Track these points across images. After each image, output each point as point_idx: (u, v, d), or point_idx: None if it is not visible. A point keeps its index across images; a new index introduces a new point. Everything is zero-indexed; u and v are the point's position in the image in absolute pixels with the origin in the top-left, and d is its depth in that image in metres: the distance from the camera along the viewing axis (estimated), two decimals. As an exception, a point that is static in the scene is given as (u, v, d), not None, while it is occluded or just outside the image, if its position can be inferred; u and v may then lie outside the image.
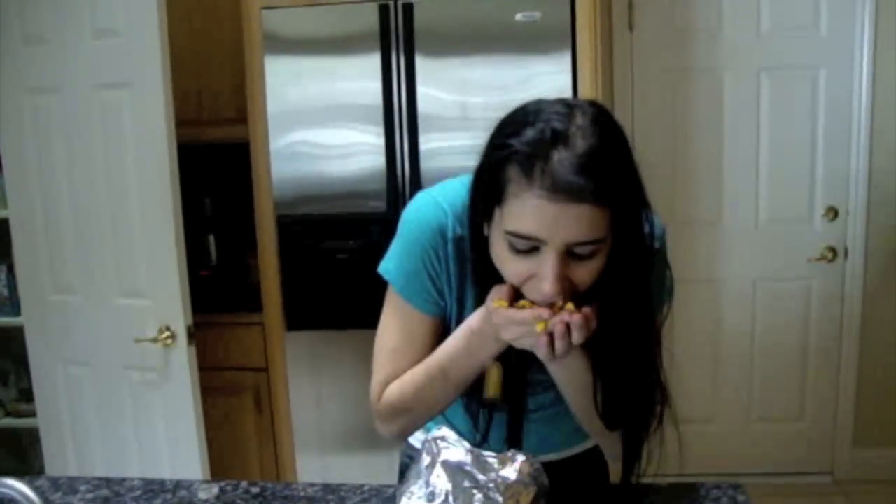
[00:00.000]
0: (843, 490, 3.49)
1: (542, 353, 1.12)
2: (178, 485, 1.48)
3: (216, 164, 3.41)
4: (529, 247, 1.08)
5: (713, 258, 3.51)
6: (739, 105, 3.38)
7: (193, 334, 2.52)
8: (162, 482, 1.50)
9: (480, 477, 1.12)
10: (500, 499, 1.11)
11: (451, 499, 1.11)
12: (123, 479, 1.51)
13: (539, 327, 1.10)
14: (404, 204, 2.95)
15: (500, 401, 1.25)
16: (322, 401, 3.00)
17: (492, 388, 1.24)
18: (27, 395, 3.04)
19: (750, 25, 3.32)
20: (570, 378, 1.22)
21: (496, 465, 1.14)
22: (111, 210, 2.54)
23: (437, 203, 1.27)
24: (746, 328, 3.53)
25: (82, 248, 2.61)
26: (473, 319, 1.21)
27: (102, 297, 2.61)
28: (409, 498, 1.15)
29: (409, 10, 2.73)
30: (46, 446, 2.85)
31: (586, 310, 1.10)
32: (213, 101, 3.19)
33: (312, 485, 1.47)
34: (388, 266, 1.31)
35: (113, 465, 2.69)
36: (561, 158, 1.03)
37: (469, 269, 1.24)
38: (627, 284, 1.14)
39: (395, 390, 1.30)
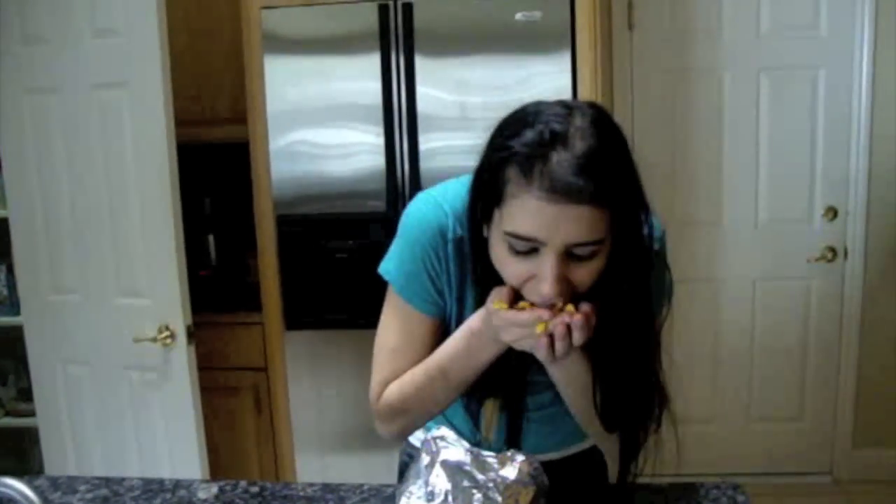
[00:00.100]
0: (843, 490, 3.49)
1: (541, 354, 1.12)
2: (177, 484, 1.48)
3: (216, 163, 3.41)
4: (529, 248, 1.08)
5: (713, 258, 3.51)
6: (739, 105, 3.38)
7: (193, 334, 2.52)
8: (161, 482, 1.50)
9: (480, 476, 1.12)
10: (500, 498, 1.11)
11: (450, 498, 1.11)
12: (123, 479, 1.51)
13: (539, 329, 1.09)
14: (404, 204, 2.94)
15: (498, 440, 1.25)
16: (321, 400, 3.00)
17: (486, 430, 1.26)
18: (26, 394, 3.04)
19: (750, 25, 3.33)
20: (570, 380, 1.22)
21: (495, 465, 1.14)
22: (111, 210, 2.54)
23: (437, 203, 1.27)
24: (746, 328, 3.54)
25: (82, 247, 2.61)
26: (473, 320, 1.21)
27: (102, 297, 2.61)
28: (409, 498, 1.15)
29: (408, 9, 2.73)
30: (46, 446, 2.85)
31: (585, 308, 1.10)
32: (212, 100, 3.19)
33: (311, 484, 1.47)
34: (389, 266, 1.31)
35: (112, 465, 2.69)
36: (560, 159, 1.03)
37: (469, 269, 1.24)
38: (627, 286, 1.14)
39: (394, 391, 1.30)
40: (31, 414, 2.92)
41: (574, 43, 2.70)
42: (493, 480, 1.12)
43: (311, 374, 3.00)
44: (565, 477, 1.26)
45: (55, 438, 2.81)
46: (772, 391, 3.57)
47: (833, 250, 3.42)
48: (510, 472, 1.13)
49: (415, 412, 1.32)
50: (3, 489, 1.08)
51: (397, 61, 2.76)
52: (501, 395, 1.28)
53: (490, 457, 1.15)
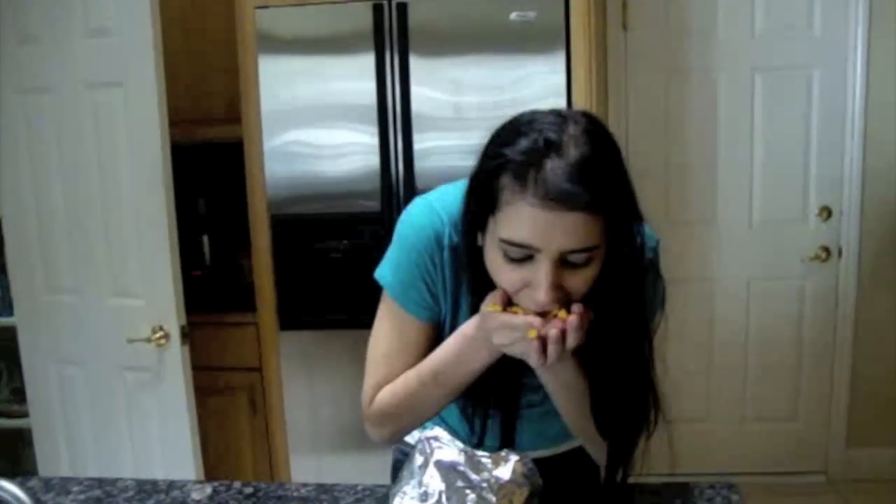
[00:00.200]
0: (837, 489, 3.50)
1: (533, 359, 1.13)
2: (171, 485, 1.48)
3: (209, 163, 3.40)
4: (523, 255, 1.08)
5: (707, 258, 3.51)
6: (733, 105, 3.39)
7: (187, 334, 2.52)
8: (155, 482, 1.49)
9: (473, 477, 1.12)
10: (494, 499, 1.11)
11: (444, 499, 1.11)
12: (116, 480, 1.51)
13: (531, 334, 1.10)
14: (398, 204, 2.96)
15: None
16: (316, 401, 3.00)
17: None
18: (20, 395, 3.03)
19: (744, 26, 3.33)
20: (561, 386, 1.23)
21: (489, 465, 1.14)
22: (104, 210, 2.54)
23: (434, 210, 1.27)
24: (740, 328, 3.54)
25: (75, 247, 2.61)
26: (468, 326, 1.22)
27: (96, 297, 2.60)
28: (402, 498, 1.15)
29: (402, 9, 2.72)
30: (39, 447, 2.84)
31: (578, 309, 1.10)
32: (206, 100, 3.19)
33: (306, 485, 1.46)
34: (384, 272, 1.32)
35: (106, 466, 2.68)
36: (554, 167, 1.04)
37: (464, 276, 1.25)
38: (621, 293, 1.15)
39: (387, 395, 1.31)
40: (25, 415, 2.92)
41: (569, 43, 2.70)
42: (487, 480, 1.12)
43: (306, 375, 3.00)
44: (558, 474, 1.26)
45: (49, 439, 2.81)
46: (766, 390, 3.57)
47: (827, 250, 3.43)
48: (504, 472, 1.13)
49: (407, 417, 1.33)
50: (-5, 491, 1.08)
51: (392, 61, 2.76)
52: (496, 397, 1.28)
53: (484, 457, 1.14)
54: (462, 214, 1.19)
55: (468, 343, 1.21)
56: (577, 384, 1.21)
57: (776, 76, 3.35)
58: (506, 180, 1.07)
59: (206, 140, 3.18)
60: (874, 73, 3.27)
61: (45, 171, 2.60)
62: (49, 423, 2.79)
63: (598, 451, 1.32)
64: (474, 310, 1.21)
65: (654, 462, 1.28)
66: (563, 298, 1.10)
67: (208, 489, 1.46)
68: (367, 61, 2.77)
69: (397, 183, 2.81)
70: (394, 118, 2.78)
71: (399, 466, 1.52)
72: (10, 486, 1.08)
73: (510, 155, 1.08)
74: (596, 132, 1.09)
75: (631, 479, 1.26)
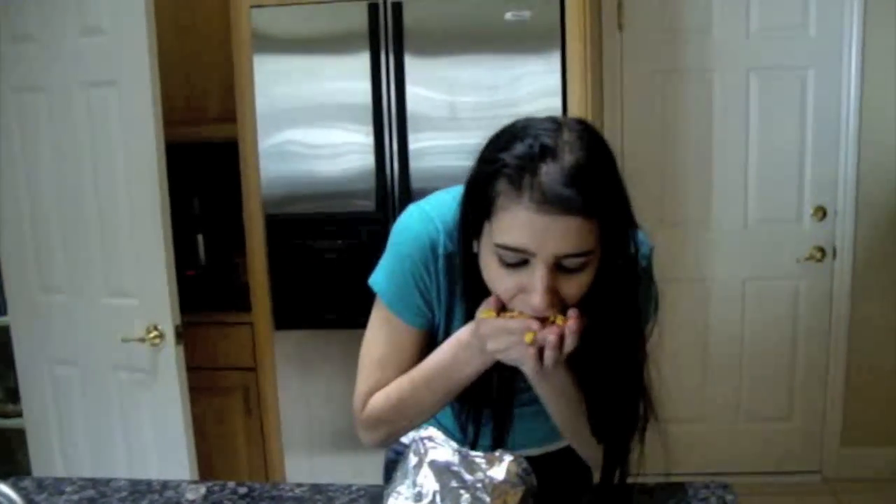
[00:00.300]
0: (832, 489, 3.50)
1: (530, 365, 1.13)
2: (164, 485, 1.47)
3: (204, 163, 3.40)
4: (519, 259, 1.09)
5: (702, 258, 3.51)
6: (728, 105, 3.39)
7: (182, 334, 2.51)
8: (148, 483, 1.49)
9: (468, 477, 1.12)
10: (488, 499, 1.11)
11: (438, 499, 1.11)
12: (110, 480, 1.50)
13: (527, 338, 1.10)
14: (393, 204, 2.96)
15: None
16: (311, 401, 2.99)
17: None
18: (13, 395, 3.03)
19: (739, 26, 3.33)
20: (552, 391, 1.24)
21: (484, 465, 1.14)
22: (98, 209, 2.53)
23: (429, 218, 1.28)
24: (735, 327, 3.54)
25: (69, 247, 2.60)
26: (462, 332, 1.23)
27: (90, 297, 2.60)
28: (397, 498, 1.14)
29: (398, 9, 2.72)
30: (33, 447, 2.83)
31: (574, 312, 1.11)
32: (201, 99, 3.18)
33: (300, 485, 1.46)
34: (378, 279, 1.32)
35: (100, 466, 2.68)
36: (549, 171, 1.05)
37: (459, 283, 1.25)
38: (615, 299, 1.16)
39: (380, 400, 1.31)
40: (18, 415, 2.91)
41: (564, 43, 2.70)
42: (482, 481, 1.12)
43: (301, 374, 2.99)
44: (548, 473, 1.26)
45: (42, 439, 2.80)
46: (761, 390, 3.57)
47: (822, 250, 3.43)
48: (498, 472, 1.13)
49: (400, 421, 1.33)
50: (-13, 491, 1.08)
51: (387, 61, 2.76)
52: (489, 400, 1.28)
53: (478, 457, 1.14)
54: (458, 220, 1.20)
55: (462, 349, 1.22)
56: (568, 388, 1.22)
57: (771, 76, 3.36)
58: (501, 185, 1.08)
59: (200, 139, 3.17)
60: (869, 73, 3.28)
61: (39, 170, 2.60)
62: (43, 423, 2.78)
63: (588, 453, 1.33)
64: (468, 316, 1.22)
65: (649, 462, 1.28)
66: (559, 304, 1.11)
67: (202, 489, 1.45)
68: (363, 61, 2.76)
69: (392, 183, 2.80)
70: (389, 118, 2.78)
71: (391, 466, 1.52)
72: (3, 487, 1.08)
73: (506, 160, 1.08)
74: (591, 138, 1.11)
75: (631, 480, 1.27)
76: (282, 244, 2.92)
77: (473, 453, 1.15)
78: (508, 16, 2.69)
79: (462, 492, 1.11)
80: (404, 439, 1.46)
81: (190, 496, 1.43)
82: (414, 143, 2.78)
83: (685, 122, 3.43)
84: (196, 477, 2.60)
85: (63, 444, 2.77)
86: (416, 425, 1.36)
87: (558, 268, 1.08)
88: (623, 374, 1.21)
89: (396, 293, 1.29)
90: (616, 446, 1.24)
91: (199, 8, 3.12)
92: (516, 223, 1.06)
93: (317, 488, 1.44)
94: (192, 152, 3.24)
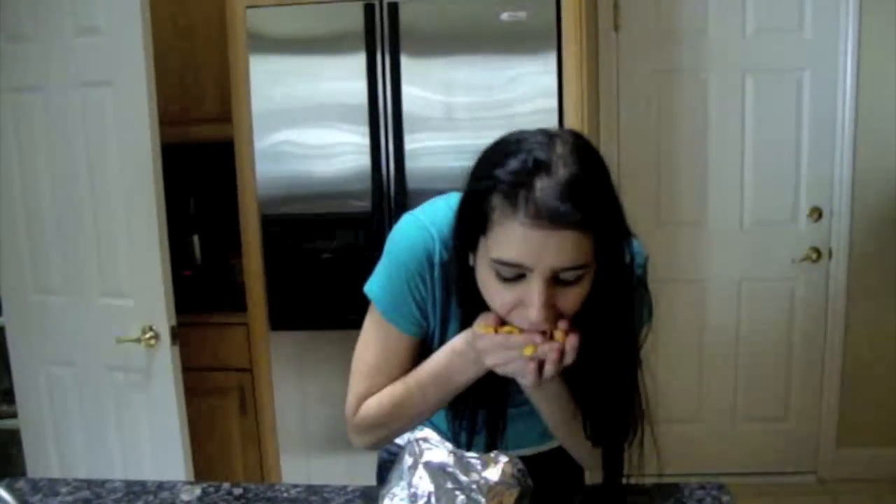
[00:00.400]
0: (828, 489, 3.51)
1: (529, 379, 1.15)
2: (160, 486, 1.47)
3: (200, 163, 3.39)
4: (515, 274, 1.10)
5: (698, 259, 3.51)
6: (724, 106, 3.39)
7: (177, 334, 2.51)
8: (143, 484, 1.49)
9: (463, 478, 1.12)
10: (483, 500, 1.10)
11: (433, 500, 1.11)
12: (105, 481, 1.50)
13: (527, 352, 1.12)
14: (389, 204, 2.95)
15: None
16: (306, 401, 2.99)
17: None
18: (8, 396, 3.02)
19: (735, 27, 3.33)
20: (546, 398, 1.26)
21: (479, 467, 1.13)
22: (94, 209, 2.53)
23: (424, 227, 1.28)
24: (731, 328, 3.55)
25: (65, 247, 2.60)
26: (457, 341, 1.24)
27: (85, 298, 2.59)
28: (392, 499, 1.14)
29: (394, 9, 2.72)
30: (28, 448, 2.83)
31: (563, 325, 1.13)
32: (197, 100, 3.18)
33: (295, 486, 1.46)
34: (373, 286, 1.33)
35: (96, 467, 2.67)
36: (544, 186, 1.05)
37: (455, 294, 1.26)
38: (610, 309, 1.17)
39: (373, 405, 1.32)
40: (13, 416, 2.90)
41: (560, 43, 2.70)
42: (477, 482, 1.12)
43: (297, 375, 2.99)
44: (541, 472, 1.27)
45: (38, 440, 2.79)
46: (756, 391, 3.58)
47: (818, 251, 3.43)
48: (494, 473, 1.13)
49: (393, 425, 1.35)
50: (-19, 492, 1.07)
51: (383, 61, 2.76)
52: (483, 402, 1.29)
53: (473, 458, 1.14)
54: (453, 236, 1.21)
55: (457, 357, 1.23)
56: (561, 394, 1.24)
57: (767, 77, 3.36)
58: (496, 201, 1.08)
59: (196, 139, 3.16)
60: (865, 74, 3.28)
61: (34, 170, 2.59)
62: (38, 424, 2.77)
63: (581, 454, 1.35)
64: (464, 325, 1.23)
65: (644, 463, 1.29)
66: (556, 316, 1.12)
67: (197, 490, 1.45)
68: (359, 61, 2.76)
69: (388, 183, 2.80)
70: (385, 118, 2.78)
71: (384, 466, 1.52)
72: (-3, 488, 1.08)
73: (500, 176, 1.09)
74: (584, 150, 1.11)
75: (625, 481, 1.28)
76: (277, 245, 2.91)
77: (469, 454, 1.15)
78: (504, 16, 2.69)
79: (457, 493, 1.11)
80: (399, 440, 1.46)
81: (185, 497, 1.43)
82: (410, 144, 2.77)
83: (681, 122, 3.43)
84: (191, 478, 2.60)
85: (58, 445, 2.76)
86: (409, 429, 1.38)
87: (555, 281, 1.09)
88: (618, 379, 1.22)
89: (391, 302, 1.30)
90: (612, 450, 1.26)
91: (195, 8, 3.11)
92: (512, 238, 1.07)
93: (312, 489, 1.44)
94: (188, 152, 3.24)
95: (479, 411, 1.30)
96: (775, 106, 3.38)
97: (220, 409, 3.10)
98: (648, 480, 1.35)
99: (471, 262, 1.18)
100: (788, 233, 3.45)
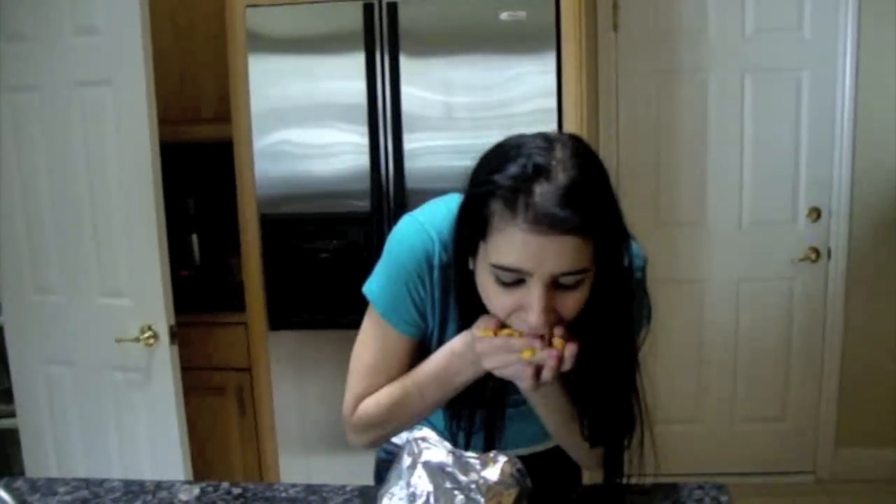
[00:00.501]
0: (826, 489, 3.51)
1: (527, 383, 1.15)
2: (158, 486, 1.47)
3: (199, 163, 3.39)
4: (515, 279, 1.10)
5: (697, 258, 3.51)
6: (723, 106, 3.39)
7: (176, 334, 2.51)
8: (142, 483, 1.49)
9: (462, 478, 1.12)
10: (482, 500, 1.10)
11: (432, 500, 1.11)
12: (103, 481, 1.50)
13: (526, 354, 1.12)
14: (388, 204, 2.95)
15: None
16: (305, 401, 2.99)
17: None
18: (7, 395, 3.02)
19: (734, 27, 3.33)
20: (544, 400, 1.26)
21: (478, 466, 1.13)
22: (93, 209, 2.53)
23: (423, 229, 1.28)
24: (730, 328, 3.54)
25: (63, 247, 2.59)
26: (456, 342, 1.24)
27: (84, 297, 2.59)
28: (390, 499, 1.14)
29: (393, 9, 2.72)
30: (27, 448, 2.82)
31: (559, 331, 1.13)
32: (196, 99, 3.18)
33: (294, 485, 1.46)
34: (373, 287, 1.33)
35: (94, 467, 2.67)
36: (543, 191, 1.05)
37: (453, 295, 1.26)
38: (610, 313, 1.17)
39: (371, 405, 1.33)
40: (12, 415, 2.90)
41: (559, 43, 2.70)
42: (476, 482, 1.11)
43: (295, 375, 2.99)
44: (537, 472, 1.27)
45: (37, 440, 2.79)
46: (755, 391, 3.58)
47: (816, 251, 3.43)
48: (492, 473, 1.13)
49: (389, 426, 1.35)
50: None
51: (382, 61, 2.76)
52: (482, 402, 1.30)
53: (472, 458, 1.14)
54: (453, 240, 1.21)
55: (455, 359, 1.24)
56: (559, 396, 1.25)
57: (766, 77, 3.36)
58: (496, 206, 1.08)
59: (195, 139, 3.16)
60: (864, 74, 3.28)
61: (33, 170, 2.59)
62: (37, 424, 2.77)
63: (578, 454, 1.36)
64: (463, 327, 1.23)
65: (643, 463, 1.29)
66: (556, 321, 1.12)
67: (196, 490, 1.45)
68: (358, 61, 2.76)
69: (387, 183, 2.80)
70: (384, 118, 2.78)
71: (383, 466, 1.52)
72: (-5, 488, 1.07)
73: (499, 181, 1.09)
74: (583, 155, 1.11)
75: (625, 481, 1.29)
76: (276, 244, 2.91)
77: (467, 454, 1.15)
78: (503, 16, 2.68)
79: (456, 493, 1.11)
80: (397, 440, 1.46)
81: (183, 496, 1.43)
82: (409, 144, 2.77)
83: (680, 122, 3.43)
84: (190, 477, 2.60)
85: (57, 445, 2.76)
86: (406, 429, 1.38)
87: (555, 285, 1.09)
88: (616, 382, 1.22)
89: (391, 303, 1.30)
90: (611, 450, 1.26)
91: (194, 7, 3.11)
92: (512, 244, 1.07)
93: (311, 489, 1.44)
94: (187, 152, 3.24)
95: (478, 411, 1.30)
96: (774, 106, 3.38)
97: (218, 408, 3.10)
98: (647, 480, 1.35)
99: (470, 266, 1.18)
100: (787, 233, 3.45)
